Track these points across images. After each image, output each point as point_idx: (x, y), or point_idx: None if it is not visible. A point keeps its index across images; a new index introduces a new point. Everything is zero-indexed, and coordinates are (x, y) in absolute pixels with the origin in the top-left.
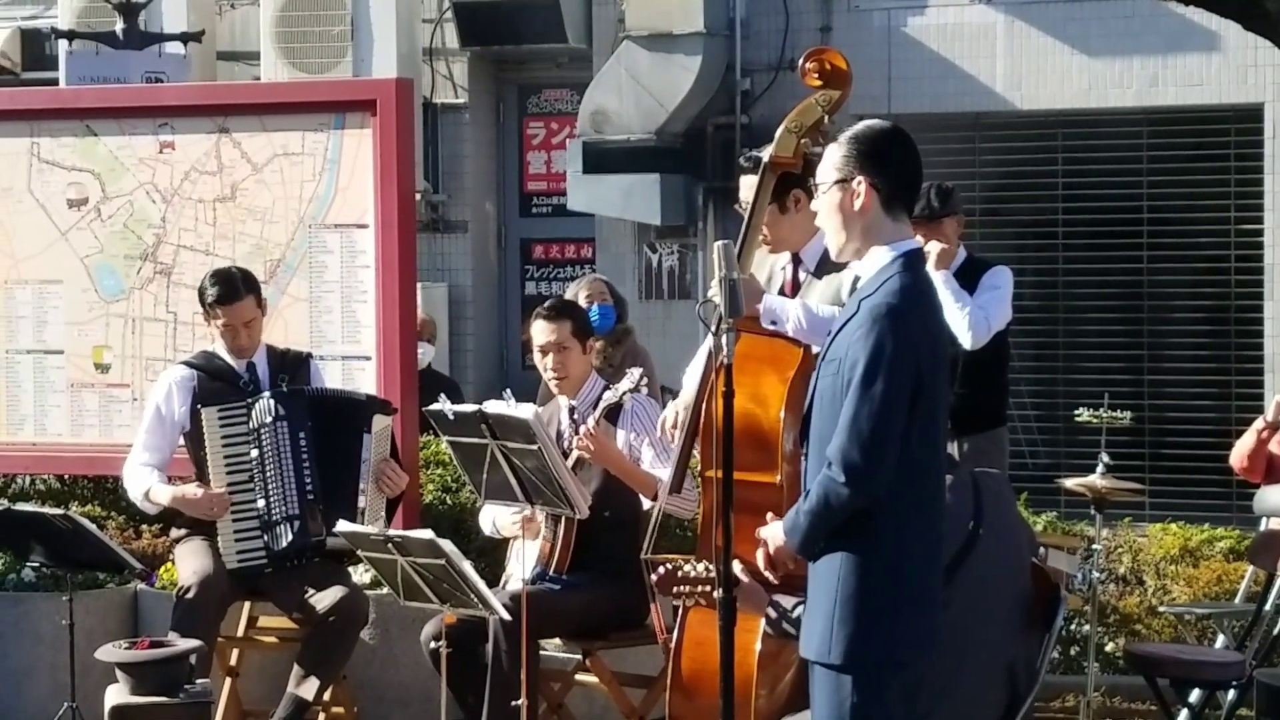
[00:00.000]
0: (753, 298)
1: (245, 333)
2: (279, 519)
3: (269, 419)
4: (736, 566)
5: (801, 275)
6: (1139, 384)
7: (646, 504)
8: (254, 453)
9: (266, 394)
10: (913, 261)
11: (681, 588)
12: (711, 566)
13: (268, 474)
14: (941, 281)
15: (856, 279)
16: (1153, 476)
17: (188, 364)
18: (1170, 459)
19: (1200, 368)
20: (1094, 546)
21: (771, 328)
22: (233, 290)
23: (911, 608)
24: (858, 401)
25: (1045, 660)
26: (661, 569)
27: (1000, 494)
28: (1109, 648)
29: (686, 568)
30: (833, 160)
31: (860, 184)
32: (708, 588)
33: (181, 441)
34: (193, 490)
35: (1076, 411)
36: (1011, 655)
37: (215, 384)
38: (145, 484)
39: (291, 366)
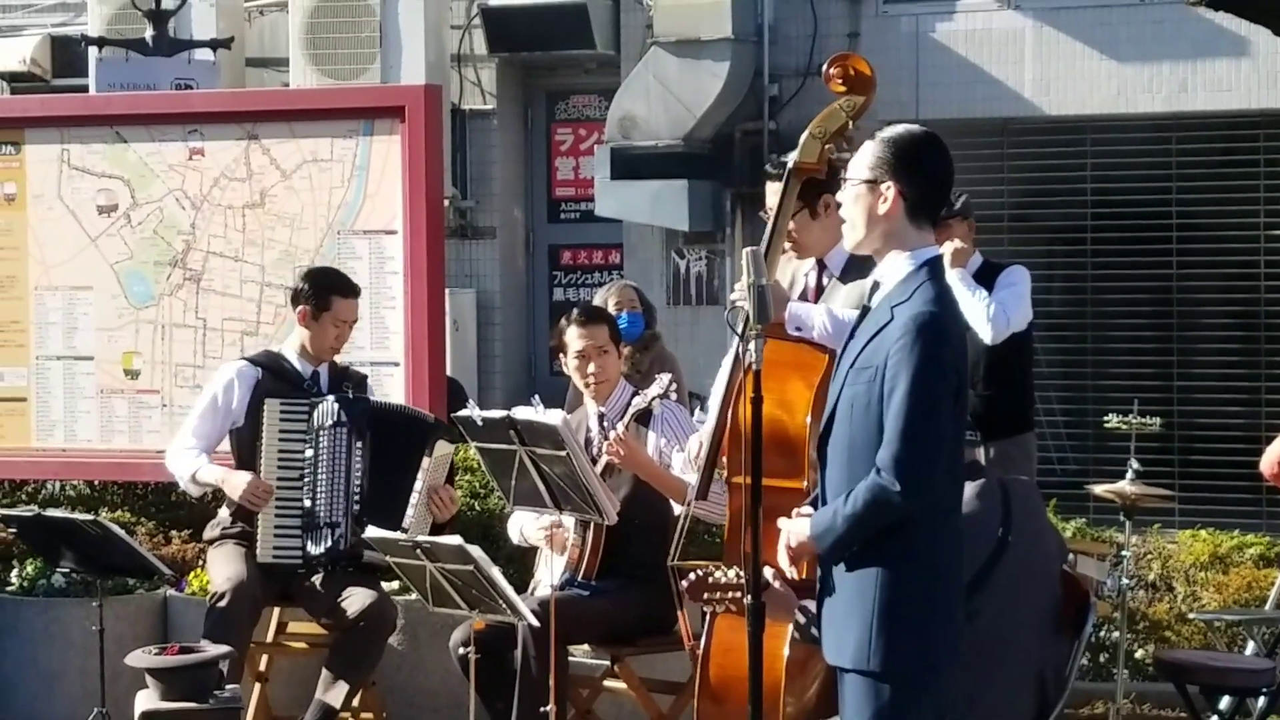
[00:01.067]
0: (778, 304)
1: (349, 329)
2: (322, 523)
3: (329, 422)
4: (767, 572)
5: (825, 280)
6: (1168, 390)
7: (676, 509)
8: (309, 452)
9: (331, 397)
10: (937, 269)
11: (712, 594)
12: (741, 573)
13: (319, 476)
14: (957, 278)
15: (875, 284)
16: (1182, 483)
17: (252, 360)
18: (1200, 465)
19: (1230, 373)
20: (1123, 553)
21: (796, 333)
22: (354, 286)
23: (943, 613)
24: (910, 409)
25: (1075, 667)
26: (692, 575)
27: (1029, 500)
28: (1139, 654)
29: (717, 574)
30: (866, 159)
31: (889, 189)
32: (737, 594)
33: (229, 439)
34: (243, 475)
35: (1106, 417)
36: (1041, 662)
37: (279, 383)
38: (193, 465)
39: (354, 382)
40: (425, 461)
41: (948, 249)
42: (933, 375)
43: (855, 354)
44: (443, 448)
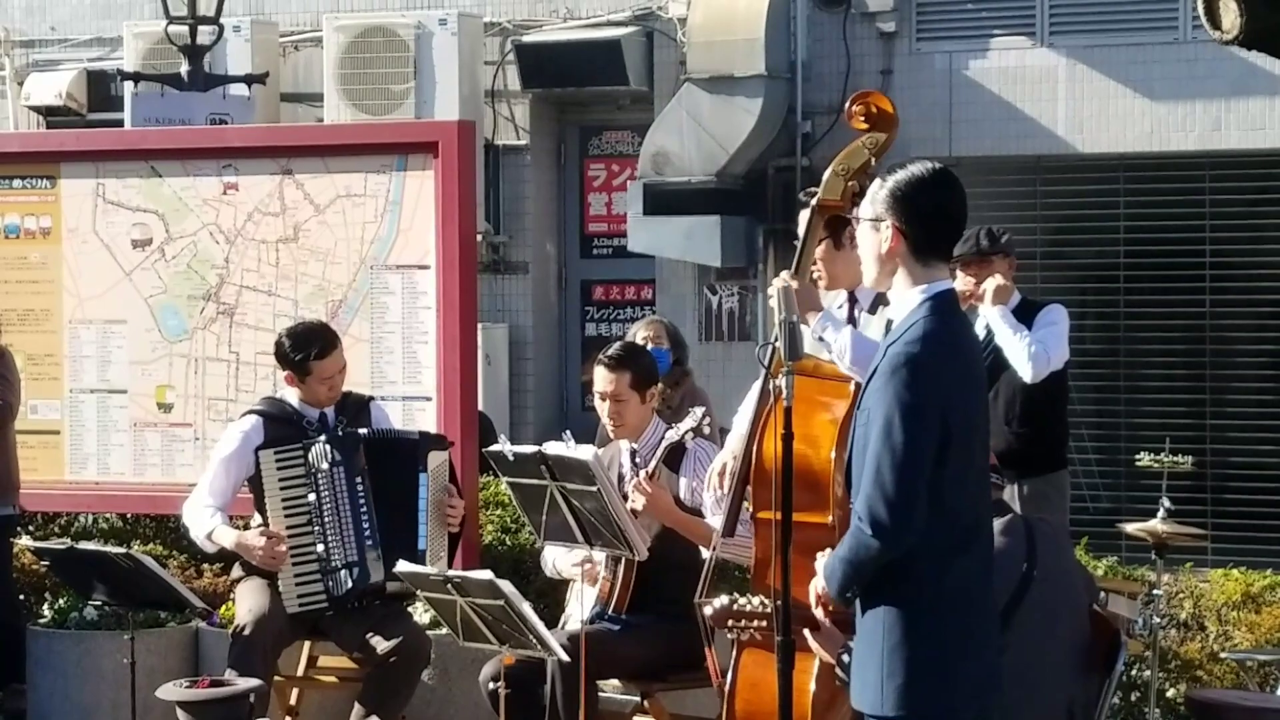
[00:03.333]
0: (807, 305)
1: (340, 378)
2: (339, 565)
3: (325, 464)
4: (819, 613)
5: (857, 313)
6: (1201, 428)
7: (704, 552)
8: (311, 497)
9: (321, 438)
10: (940, 304)
11: (736, 622)
12: (766, 601)
13: (325, 520)
14: (998, 316)
15: (889, 321)
16: (1215, 521)
17: (259, 413)
18: (1232, 504)
19: (1263, 412)
20: (1155, 592)
21: (819, 343)
22: (330, 339)
23: (961, 653)
24: (879, 454)
25: (1106, 705)
26: (716, 602)
27: (1054, 538)
28: (1170, 694)
29: (741, 602)
30: (870, 197)
31: (887, 228)
32: (762, 623)
33: (245, 486)
34: (255, 538)
35: (1138, 456)
36: (1070, 699)
37: (283, 429)
38: (209, 525)
39: (352, 410)
40: (423, 477)
41: (990, 285)
42: (903, 418)
43: (861, 394)
44: (436, 458)
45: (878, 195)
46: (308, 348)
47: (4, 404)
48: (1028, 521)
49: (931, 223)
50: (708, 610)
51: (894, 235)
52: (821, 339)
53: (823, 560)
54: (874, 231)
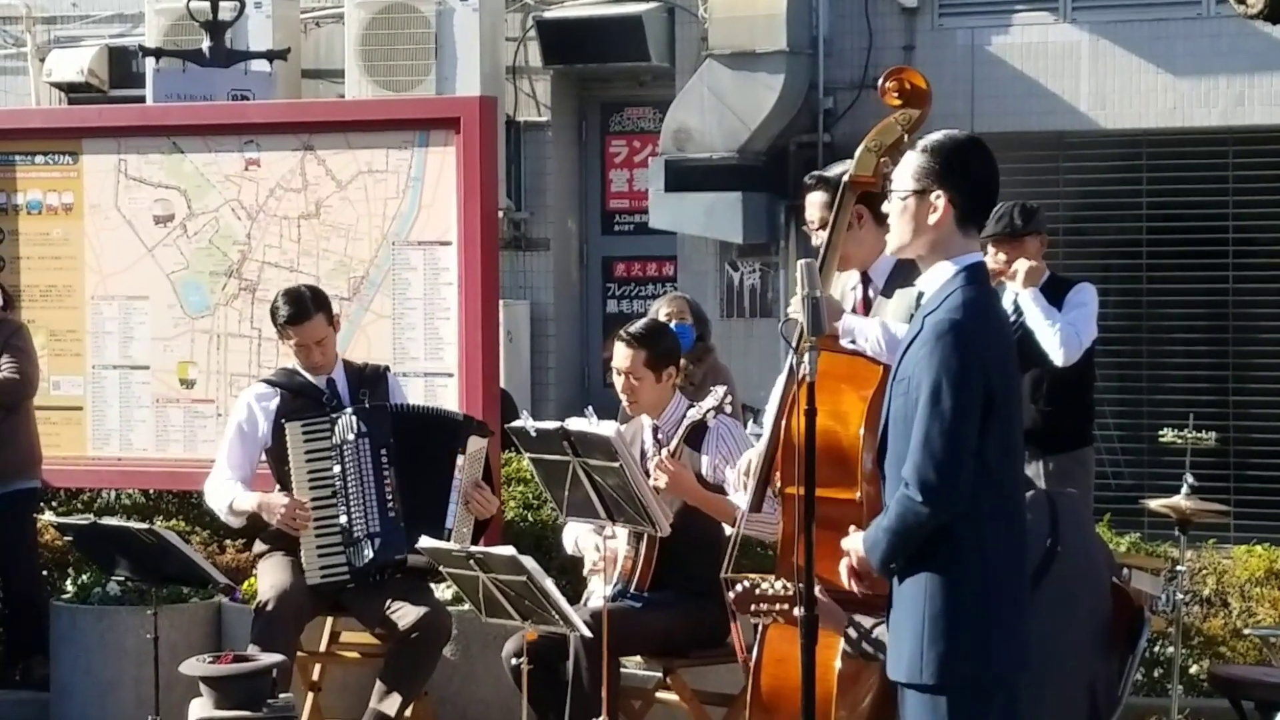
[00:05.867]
0: (833, 316)
1: (318, 351)
2: (361, 535)
3: (351, 435)
4: (853, 585)
5: (871, 294)
6: (1224, 405)
7: (727, 530)
8: (336, 468)
9: (349, 409)
10: (976, 275)
11: (759, 605)
12: (789, 584)
13: (350, 490)
14: (1030, 299)
15: (920, 294)
16: (1238, 498)
17: (268, 381)
18: (1256, 480)
19: None
20: (1178, 568)
21: (851, 346)
22: (302, 309)
23: (1003, 621)
24: (928, 420)
25: (1129, 682)
26: (739, 586)
27: (1076, 513)
28: (1193, 670)
29: (764, 585)
30: (911, 169)
31: (940, 198)
32: (786, 606)
33: (263, 458)
34: (278, 498)
35: (1161, 432)
36: (1092, 676)
37: (297, 400)
38: (229, 495)
39: (370, 381)
40: (460, 460)
41: (1021, 267)
42: (951, 384)
43: (897, 367)
44: (475, 444)
45: (921, 166)
46: (281, 312)
47: (23, 377)
48: (1050, 496)
49: (979, 191)
50: (730, 595)
51: (945, 206)
52: (853, 343)
53: (855, 537)
54: (919, 204)
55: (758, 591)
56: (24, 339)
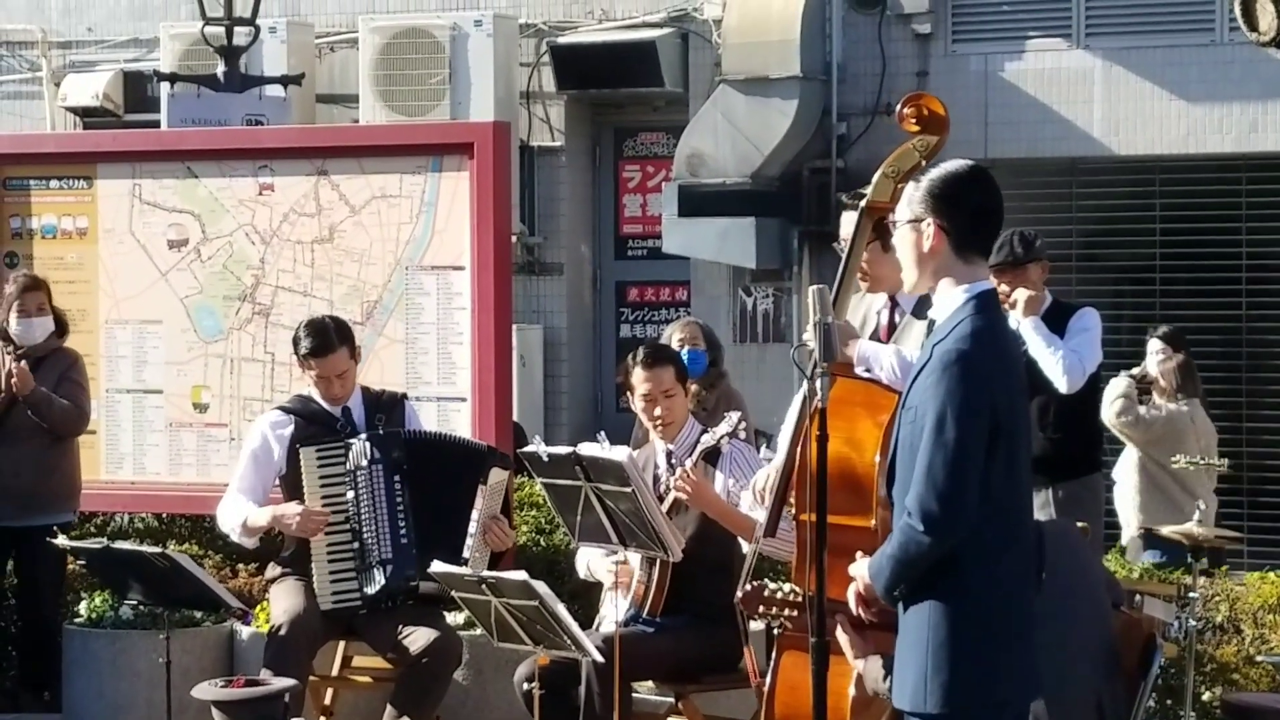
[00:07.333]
0: (846, 341)
1: (338, 383)
2: (373, 562)
3: (365, 461)
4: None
5: (898, 317)
6: (1237, 431)
7: (744, 547)
8: (350, 494)
9: (363, 435)
10: (985, 303)
11: (767, 608)
12: (798, 590)
13: (363, 516)
14: (1031, 328)
15: (932, 322)
16: (1251, 524)
17: (283, 408)
18: (1269, 507)
19: None
20: (1191, 594)
21: (866, 374)
22: (326, 343)
23: (1008, 646)
24: (932, 450)
25: (1141, 708)
26: (748, 585)
27: (1064, 537)
28: (1205, 697)
29: (773, 588)
30: (908, 199)
31: (929, 226)
32: (793, 611)
33: (277, 484)
34: (292, 506)
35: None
36: (1098, 696)
37: (312, 428)
38: (243, 513)
39: (386, 408)
40: (481, 490)
41: (1020, 297)
42: (955, 415)
43: (905, 395)
44: (496, 475)
45: (915, 196)
46: (303, 344)
47: (80, 411)
48: (1038, 525)
49: (972, 218)
50: (739, 594)
51: (936, 233)
52: (867, 370)
53: (862, 564)
54: (914, 231)
55: (765, 593)
56: (79, 372)
